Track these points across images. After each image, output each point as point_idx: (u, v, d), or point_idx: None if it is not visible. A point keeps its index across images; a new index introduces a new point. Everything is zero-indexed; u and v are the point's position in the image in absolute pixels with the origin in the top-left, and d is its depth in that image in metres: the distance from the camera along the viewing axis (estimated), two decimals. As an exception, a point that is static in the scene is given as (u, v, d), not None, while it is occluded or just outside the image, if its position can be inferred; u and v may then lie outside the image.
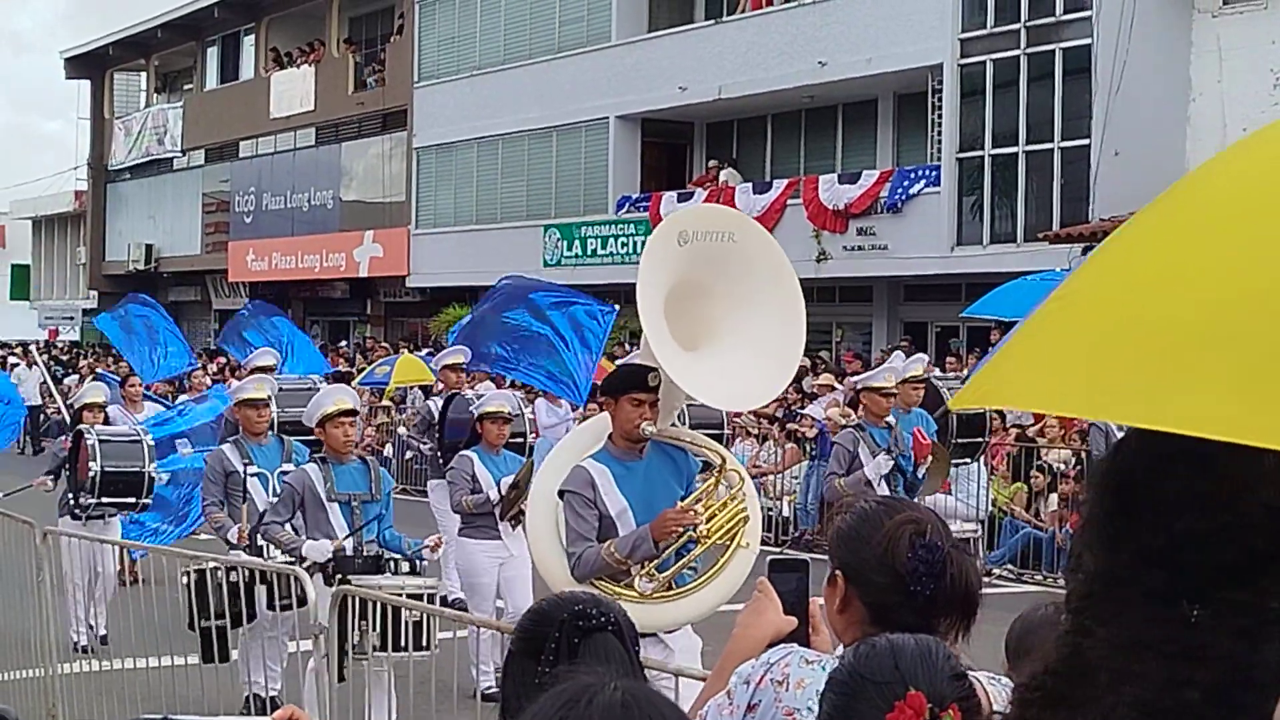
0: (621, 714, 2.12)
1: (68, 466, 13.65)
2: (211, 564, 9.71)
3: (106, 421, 14.79)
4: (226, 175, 49.56)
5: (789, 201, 30.22)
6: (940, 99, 27.74)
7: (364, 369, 30.20)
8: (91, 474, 12.79)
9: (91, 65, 56.53)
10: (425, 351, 30.48)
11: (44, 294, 64.06)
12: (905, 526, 3.35)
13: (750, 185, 31.69)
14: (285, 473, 11.18)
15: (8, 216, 70.07)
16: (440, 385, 19.17)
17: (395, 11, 42.70)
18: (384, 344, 36.40)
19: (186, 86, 53.95)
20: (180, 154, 51.85)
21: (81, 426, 13.80)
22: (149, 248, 52.43)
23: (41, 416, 35.01)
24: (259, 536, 10.58)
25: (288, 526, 10.01)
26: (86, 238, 57.31)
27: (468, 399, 14.86)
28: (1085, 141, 25.10)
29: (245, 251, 47.01)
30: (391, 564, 10.03)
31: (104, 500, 12.97)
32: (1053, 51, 25.92)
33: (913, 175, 28.31)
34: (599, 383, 18.67)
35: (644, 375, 7.42)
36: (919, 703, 2.58)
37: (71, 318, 59.88)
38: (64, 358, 48.22)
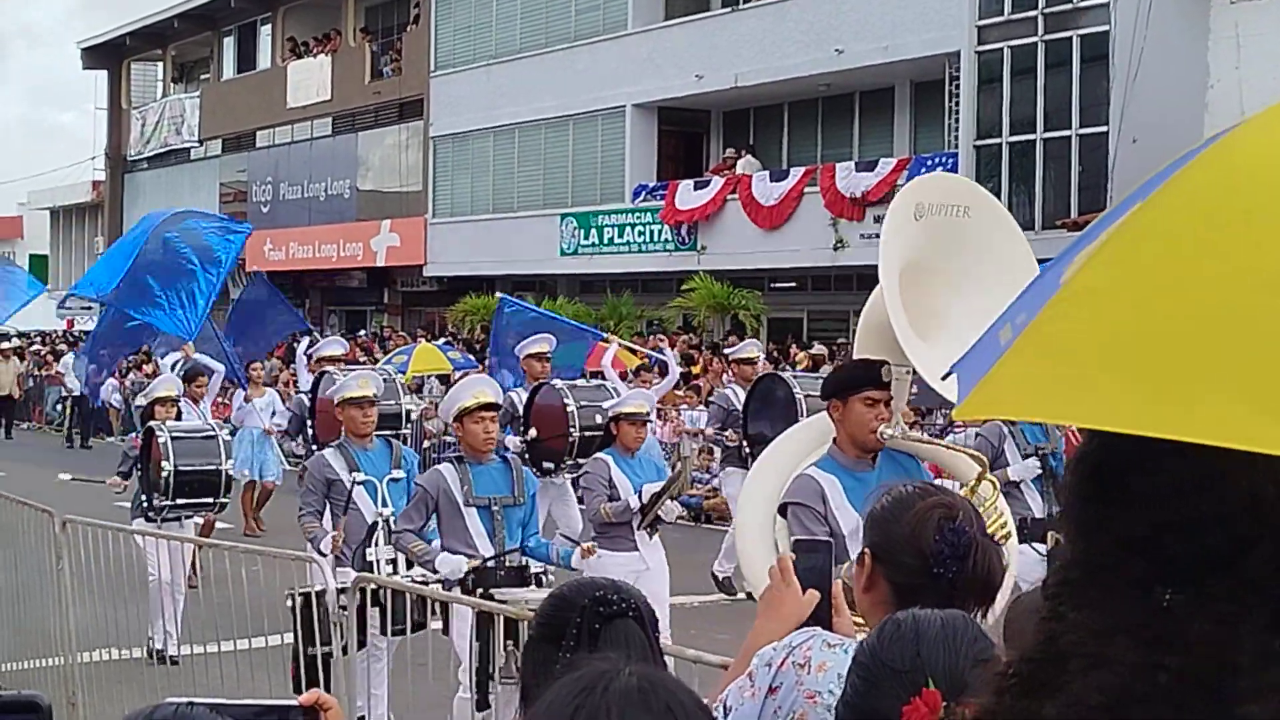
0: (638, 699, 2.12)
1: (139, 466, 13.02)
2: (318, 587, 8.69)
3: (179, 417, 13.93)
4: (243, 165, 49.61)
5: (806, 189, 30.20)
6: (957, 86, 27.68)
7: (381, 358, 30.16)
8: (165, 473, 12.18)
9: (108, 56, 56.60)
10: (442, 340, 30.54)
11: (62, 284, 64.15)
12: (936, 509, 3.43)
13: (767, 173, 31.67)
14: (395, 480, 10.28)
15: (26, 207, 70.26)
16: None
17: (411, 1, 42.70)
18: (401, 333, 36.42)
19: (203, 76, 54.01)
20: (197, 144, 51.93)
21: (153, 423, 12.99)
22: (166, 238, 52.46)
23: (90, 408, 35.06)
24: (372, 547, 9.76)
25: (432, 543, 9.17)
26: (104, 228, 57.39)
27: (557, 389, 13.93)
28: (1103, 129, 25.04)
29: (263, 241, 47.01)
30: (540, 576, 9.09)
31: (179, 501, 12.36)
32: (1070, 38, 25.85)
33: (930, 163, 28.23)
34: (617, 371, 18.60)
35: (876, 370, 6.39)
36: (934, 700, 2.57)
37: (89, 308, 59.98)
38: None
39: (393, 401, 14.53)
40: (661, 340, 24.64)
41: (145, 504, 12.60)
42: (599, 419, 12.31)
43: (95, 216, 59.71)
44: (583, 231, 35.34)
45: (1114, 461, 1.53)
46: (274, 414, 20.91)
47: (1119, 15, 24.83)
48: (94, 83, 58.43)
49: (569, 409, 12.91)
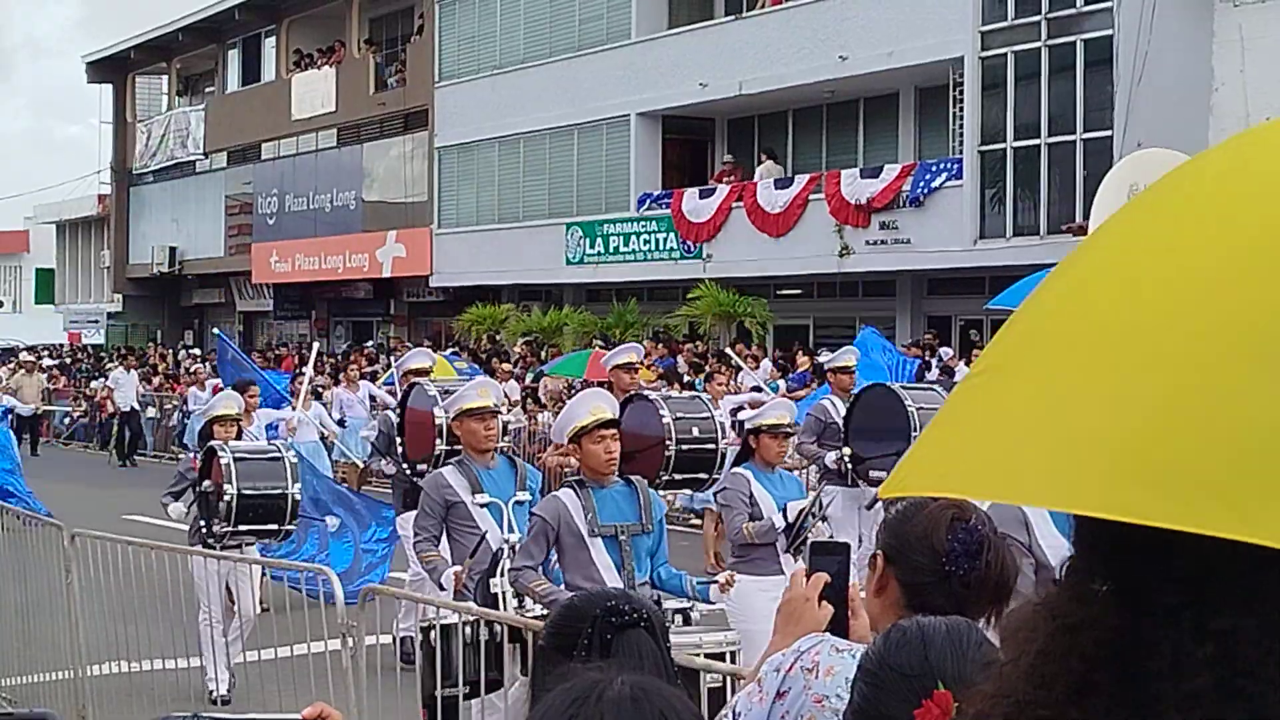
0: (631, 708, 2.13)
1: (197, 489, 12.02)
2: (447, 619, 8.15)
3: (239, 436, 12.94)
4: (249, 177, 49.67)
5: (811, 196, 30.21)
6: (961, 92, 27.70)
7: (388, 369, 30.19)
8: (227, 497, 11.25)
9: (113, 69, 56.69)
10: (449, 351, 30.52)
11: (68, 298, 64.27)
12: (948, 510, 3.48)
13: (772, 181, 31.67)
14: (520, 502, 9.46)
15: (32, 221, 70.39)
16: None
17: (415, 12, 42.75)
18: (408, 344, 36.39)
19: (208, 89, 54.07)
20: (203, 156, 51.98)
21: (214, 443, 11.99)
22: (173, 250, 52.58)
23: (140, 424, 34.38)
24: (497, 578, 8.65)
25: (540, 572, 8.28)
26: (110, 241, 57.47)
27: (652, 401, 12.38)
28: (1108, 133, 25.03)
29: (269, 253, 47.10)
30: (687, 613, 8.24)
31: (241, 528, 11.40)
32: (1074, 43, 25.86)
33: (935, 169, 28.27)
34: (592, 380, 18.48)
35: None
36: (946, 702, 2.58)
37: (96, 321, 60.11)
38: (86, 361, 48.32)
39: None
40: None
41: (203, 530, 11.61)
42: (696, 431, 11.49)
43: (101, 230, 59.79)
44: (588, 240, 35.35)
45: None
46: (321, 423, 21.20)
47: (1123, 19, 24.83)
48: (99, 96, 58.55)
49: (665, 421, 11.66)
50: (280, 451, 12.00)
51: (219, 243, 50.99)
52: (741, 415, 11.12)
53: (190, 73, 55.73)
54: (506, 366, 28.27)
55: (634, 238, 34.29)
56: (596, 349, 27.79)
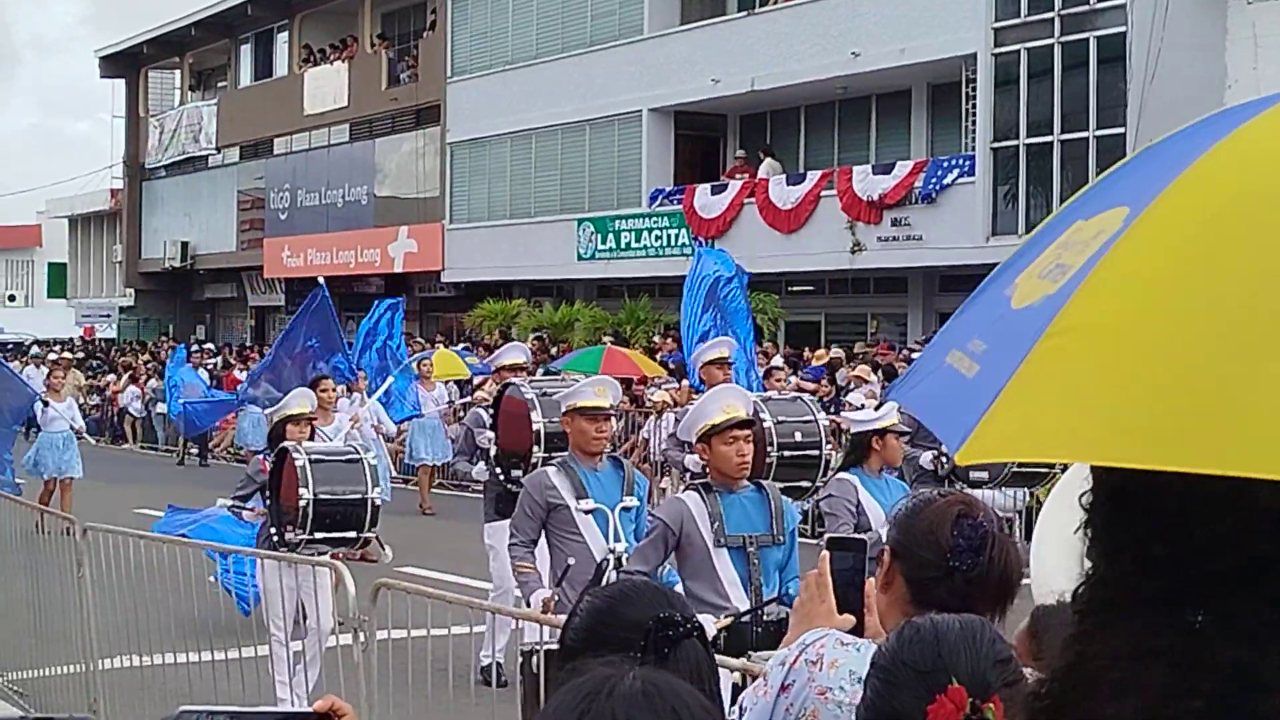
0: (643, 703, 2.11)
1: (268, 493, 11.29)
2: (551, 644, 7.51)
3: (312, 436, 12.31)
4: (261, 172, 49.71)
5: (823, 193, 30.19)
6: (974, 89, 27.66)
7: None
8: (301, 503, 10.49)
9: (126, 64, 56.75)
10: (461, 346, 30.56)
11: (80, 292, 64.37)
12: (955, 506, 3.51)
13: (784, 177, 31.66)
14: (627, 509, 8.94)
15: (44, 215, 70.53)
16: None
17: (427, 7, 42.75)
18: (420, 339, 36.41)
19: (220, 84, 54.13)
20: (215, 151, 52.02)
21: (287, 444, 11.20)
22: (185, 245, 52.64)
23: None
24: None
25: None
26: (122, 236, 57.54)
27: (751, 402, 11.42)
28: (1120, 130, 24.99)
29: (281, 248, 47.13)
30: None
31: (317, 535, 10.65)
32: (1087, 40, 25.82)
33: (947, 165, 28.24)
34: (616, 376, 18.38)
35: None
36: (960, 697, 2.57)
37: (108, 315, 60.20)
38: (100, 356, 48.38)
39: None
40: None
41: (275, 537, 10.85)
42: (798, 436, 10.78)
43: (114, 224, 59.86)
44: (600, 236, 35.35)
45: (1131, 483, 1.52)
46: (378, 421, 21.13)
47: (1136, 16, 24.80)
48: (112, 91, 58.63)
49: (765, 426, 10.88)
50: (358, 453, 11.24)
51: (231, 237, 51.03)
52: (855, 416, 10.53)
53: (203, 67, 55.79)
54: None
55: (646, 234, 34.28)
56: (608, 345, 27.81)
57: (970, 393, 1.47)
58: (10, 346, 49.75)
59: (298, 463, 10.61)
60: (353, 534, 10.81)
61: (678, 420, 22.85)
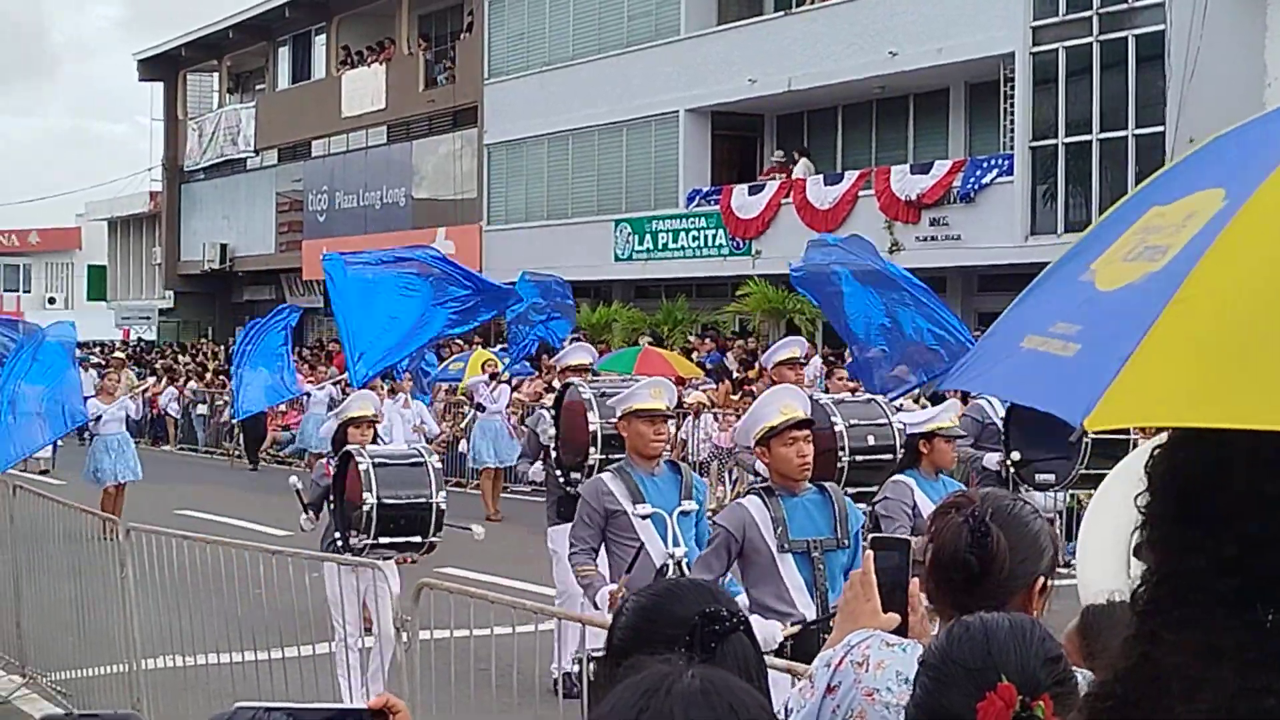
0: (701, 700, 2.11)
1: (332, 498, 11.04)
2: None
3: (376, 439, 12.02)
4: (299, 174, 49.86)
5: (861, 193, 30.14)
6: (1012, 88, 27.59)
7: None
8: (365, 507, 10.22)
9: (164, 67, 56.98)
10: (499, 347, 30.58)
11: (120, 294, 64.65)
12: (969, 504, 3.57)
13: (821, 177, 31.62)
14: (685, 513, 8.77)
15: (84, 218, 70.86)
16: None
17: (465, 9, 42.82)
18: (458, 340, 36.46)
19: (259, 86, 54.31)
20: (253, 154, 52.21)
21: (350, 447, 10.96)
22: (223, 247, 52.84)
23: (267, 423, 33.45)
24: None
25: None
26: (162, 238, 57.78)
27: (823, 405, 10.93)
28: (1159, 129, 24.90)
29: (319, 250, 47.13)
30: None
31: (381, 540, 10.37)
32: (1125, 38, 25.72)
33: (985, 165, 28.17)
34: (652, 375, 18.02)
35: None
36: (1010, 694, 2.57)
37: (147, 318, 60.44)
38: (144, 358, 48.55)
39: None
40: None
41: (340, 543, 10.62)
42: (872, 440, 10.50)
43: (153, 227, 60.12)
44: (637, 237, 35.36)
45: (1197, 480, 1.51)
46: (421, 421, 21.00)
47: (1174, 14, 24.69)
48: (150, 94, 58.88)
49: (837, 429, 10.55)
50: (422, 456, 10.97)
51: (269, 240, 51.21)
52: (907, 418, 10.22)
53: (241, 70, 55.98)
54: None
55: (683, 234, 34.27)
56: (645, 345, 27.81)
57: (1078, 368, 1.46)
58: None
59: (361, 467, 10.40)
60: (417, 538, 10.55)
61: (715, 420, 22.88)
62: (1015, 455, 13.13)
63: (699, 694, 2.12)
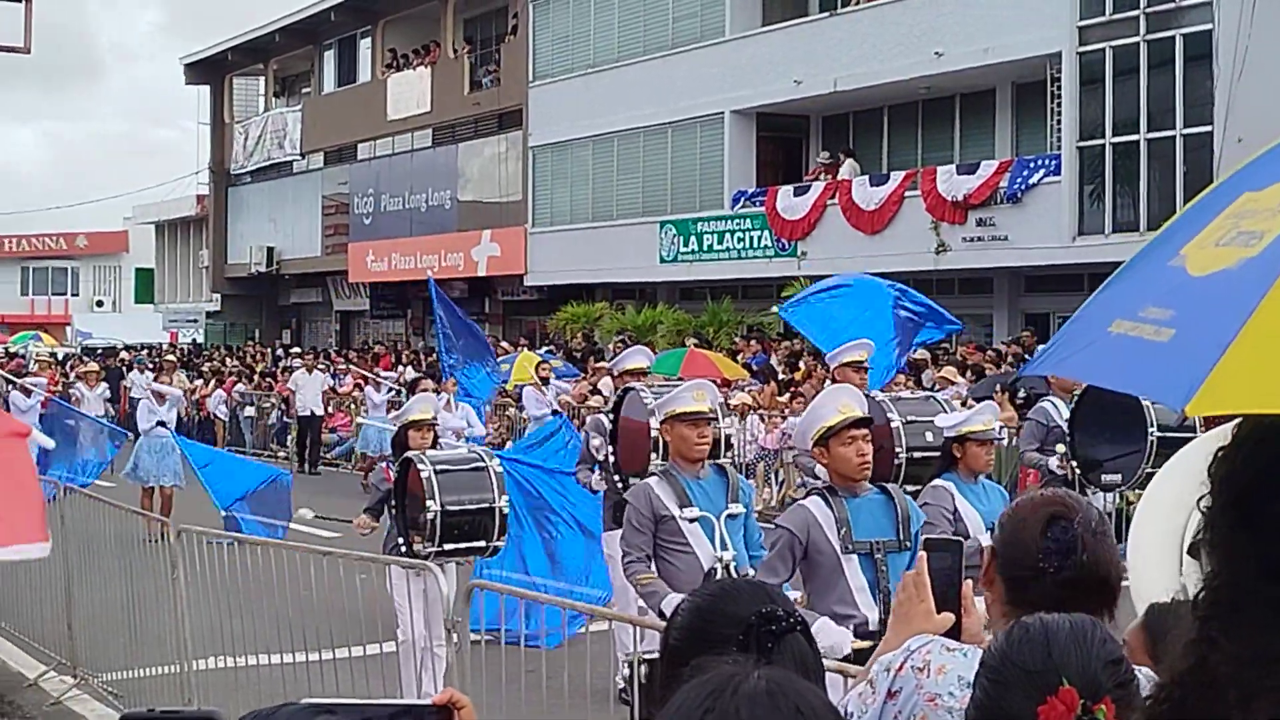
0: (767, 701, 2.11)
1: (394, 503, 10.90)
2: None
3: (436, 443, 11.90)
4: (345, 177, 50.03)
5: (907, 193, 30.08)
6: (1059, 87, 27.49)
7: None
8: (429, 515, 10.13)
9: (211, 71, 57.27)
10: (544, 349, 30.62)
11: (167, 297, 65.01)
12: (1050, 507, 3.50)
13: (867, 177, 31.56)
14: (733, 516, 8.65)
15: (131, 221, 71.32)
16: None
17: (509, 11, 42.90)
18: (503, 343, 36.57)
19: (304, 90, 54.52)
20: (299, 157, 52.42)
21: (411, 453, 10.84)
22: (270, 250, 53.06)
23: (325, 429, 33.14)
24: None
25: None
26: (208, 241, 58.07)
27: (879, 402, 10.72)
28: (1208, 128, 24.77)
29: (365, 252, 47.40)
30: None
31: (445, 547, 10.26)
32: (1173, 38, 25.60)
33: (1032, 165, 28.07)
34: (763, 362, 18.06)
35: None
36: (1071, 699, 2.55)
37: (195, 320, 60.76)
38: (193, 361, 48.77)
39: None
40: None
41: (403, 548, 10.48)
42: (929, 437, 10.36)
43: (200, 230, 60.44)
44: (682, 238, 35.35)
45: (1252, 484, 1.50)
46: (468, 425, 21.05)
47: (1222, 14, 24.55)
48: (197, 97, 59.18)
49: (894, 425, 10.40)
50: (483, 460, 10.79)
51: (316, 242, 51.40)
52: (940, 420, 9.98)
53: (287, 74, 56.22)
54: (602, 365, 28.29)
55: (728, 235, 34.25)
56: (691, 347, 27.80)
57: (1176, 354, 1.45)
58: (100, 351, 50.23)
59: (423, 474, 10.28)
60: (481, 544, 10.45)
61: (761, 422, 22.83)
62: (1060, 449, 13.07)
63: (765, 695, 2.12)
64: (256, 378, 39.38)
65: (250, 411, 36.88)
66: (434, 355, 33.78)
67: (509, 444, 26.05)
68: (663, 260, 35.86)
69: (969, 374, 22.76)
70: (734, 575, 7.87)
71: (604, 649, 7.98)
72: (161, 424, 21.47)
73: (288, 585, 10.04)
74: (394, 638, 10.47)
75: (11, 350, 46.77)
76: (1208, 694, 1.50)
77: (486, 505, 10.31)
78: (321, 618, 10.13)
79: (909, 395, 12.13)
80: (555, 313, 37.56)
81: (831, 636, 6.74)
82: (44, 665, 12.99)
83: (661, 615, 7.83)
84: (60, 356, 45.31)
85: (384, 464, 12.48)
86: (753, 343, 30.89)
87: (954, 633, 3.43)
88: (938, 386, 22.97)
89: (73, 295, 78.27)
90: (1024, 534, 3.47)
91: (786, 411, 23.69)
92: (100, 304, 76.65)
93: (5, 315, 70.72)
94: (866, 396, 10.00)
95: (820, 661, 2.96)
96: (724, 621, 2.93)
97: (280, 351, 46.33)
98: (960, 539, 3.72)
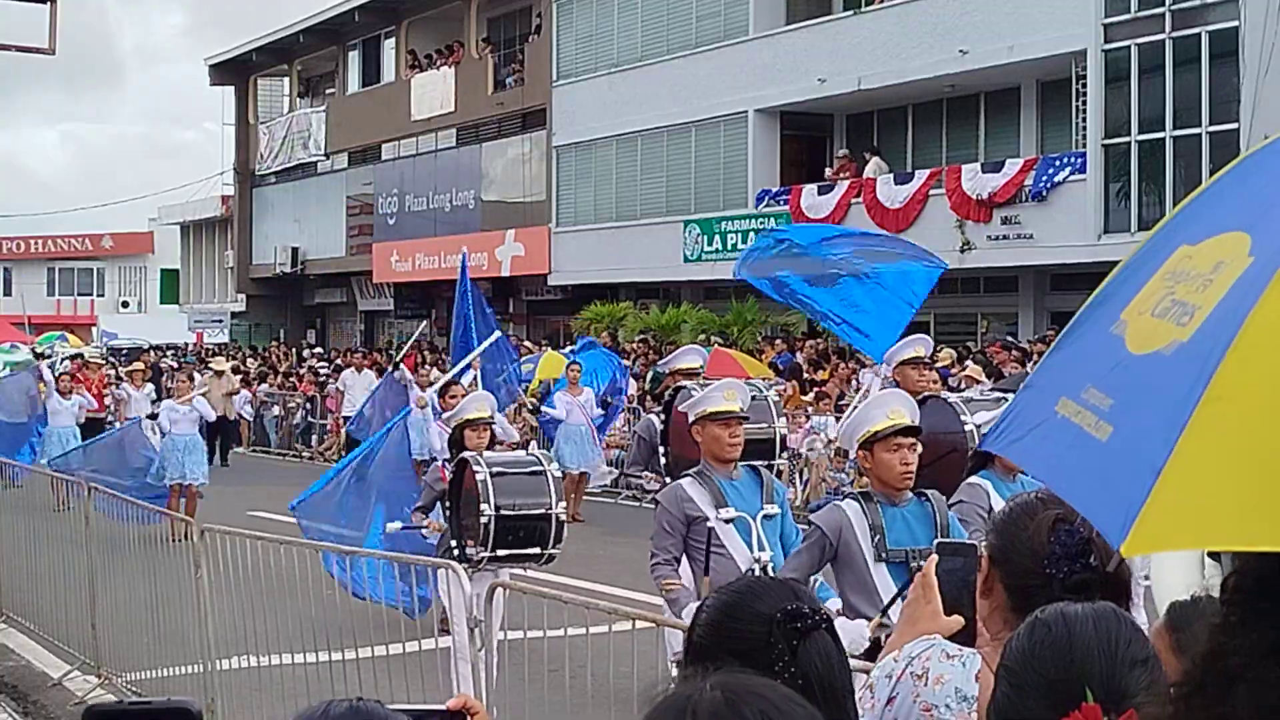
0: (728, 712, 2.09)
1: (448, 505, 10.78)
2: None
3: (492, 443, 11.77)
4: (369, 178, 50.11)
5: (931, 192, 30.01)
6: (1084, 85, 27.40)
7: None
8: (483, 519, 9.93)
9: (235, 72, 57.41)
10: (568, 349, 30.61)
11: (193, 298, 65.15)
12: (1051, 510, 3.38)
13: (892, 176, 31.50)
14: (769, 517, 8.53)
15: (156, 223, 71.55)
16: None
17: (533, 11, 42.93)
18: (527, 343, 36.60)
19: (329, 90, 54.63)
20: (324, 157, 52.53)
21: (466, 454, 10.61)
22: (295, 250, 53.18)
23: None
24: None
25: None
26: (233, 242, 58.20)
27: (951, 404, 9.94)
28: (1234, 126, 24.66)
29: (389, 253, 47.47)
30: None
31: (499, 553, 10.05)
32: (1199, 35, 25.49)
33: (1057, 163, 27.99)
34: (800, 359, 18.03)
35: None
36: (1095, 715, 2.47)
37: (220, 320, 60.88)
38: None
39: (764, 424, 11.25)
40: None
41: (456, 552, 10.26)
42: None
43: (225, 231, 60.57)
44: (706, 238, 35.32)
45: None
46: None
47: (1248, 10, 24.46)
48: (221, 98, 59.31)
49: (968, 428, 9.70)
50: (541, 464, 10.53)
51: (340, 243, 51.49)
52: (975, 419, 9.57)
53: (311, 74, 56.33)
54: (625, 364, 28.29)
55: (752, 234, 34.11)
56: (716, 346, 27.76)
57: (1112, 464, 1.45)
58: (125, 352, 50.36)
59: (479, 477, 10.06)
60: (535, 550, 10.21)
61: (786, 421, 22.78)
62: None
63: (724, 705, 2.09)
64: (280, 377, 39.45)
65: (275, 411, 36.96)
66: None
67: (531, 444, 26.07)
68: (687, 260, 35.83)
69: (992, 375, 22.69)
70: (779, 573, 7.67)
71: (627, 649, 7.94)
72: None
73: (311, 585, 10.04)
74: (415, 636, 10.43)
75: (39, 350, 46.87)
76: (1221, 681, 1.49)
77: (543, 511, 10.07)
78: (345, 617, 10.13)
79: (979, 397, 11.35)
80: (579, 312, 37.56)
81: (849, 633, 6.56)
82: (68, 665, 13.04)
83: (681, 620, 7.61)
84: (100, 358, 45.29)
85: (439, 463, 12.08)
86: (778, 341, 30.85)
87: (968, 636, 3.38)
88: (964, 385, 22.91)
89: (98, 296, 78.52)
90: (1026, 540, 3.36)
91: (810, 410, 23.65)
92: (126, 305, 76.88)
93: (32, 316, 70.86)
94: (935, 397, 10.13)
95: (846, 659, 2.92)
96: (749, 619, 2.90)
97: (305, 352, 46.39)
98: (974, 543, 3.66)
